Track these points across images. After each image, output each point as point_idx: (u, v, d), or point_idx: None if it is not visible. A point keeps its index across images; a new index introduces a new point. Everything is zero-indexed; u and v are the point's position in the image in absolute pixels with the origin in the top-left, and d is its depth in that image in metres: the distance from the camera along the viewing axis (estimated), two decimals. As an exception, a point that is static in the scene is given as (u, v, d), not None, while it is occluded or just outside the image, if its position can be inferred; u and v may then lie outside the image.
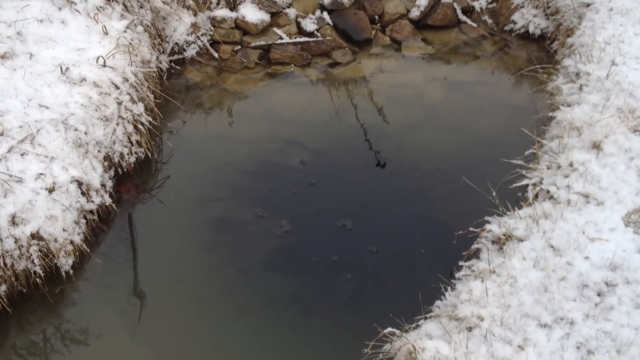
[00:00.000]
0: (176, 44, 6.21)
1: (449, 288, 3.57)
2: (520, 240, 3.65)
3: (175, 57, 6.22)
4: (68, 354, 3.79)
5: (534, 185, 4.11)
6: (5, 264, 3.79)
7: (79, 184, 4.26)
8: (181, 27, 6.21)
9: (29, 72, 4.63)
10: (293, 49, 6.37)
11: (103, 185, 4.52)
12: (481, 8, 6.84)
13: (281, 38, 6.46)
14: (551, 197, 3.91)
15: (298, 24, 6.61)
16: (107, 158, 4.67)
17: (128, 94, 4.89)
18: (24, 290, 3.96)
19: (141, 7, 5.77)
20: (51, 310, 4.01)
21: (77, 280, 4.14)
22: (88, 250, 4.24)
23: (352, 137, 5.46)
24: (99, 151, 4.57)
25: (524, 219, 3.77)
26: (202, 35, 6.34)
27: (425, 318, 3.42)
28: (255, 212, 4.69)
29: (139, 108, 4.96)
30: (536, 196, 4.04)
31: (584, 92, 4.57)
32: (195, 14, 6.33)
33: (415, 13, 6.75)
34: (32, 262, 3.89)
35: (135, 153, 4.95)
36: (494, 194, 3.92)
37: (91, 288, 4.16)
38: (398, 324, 3.31)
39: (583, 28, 5.38)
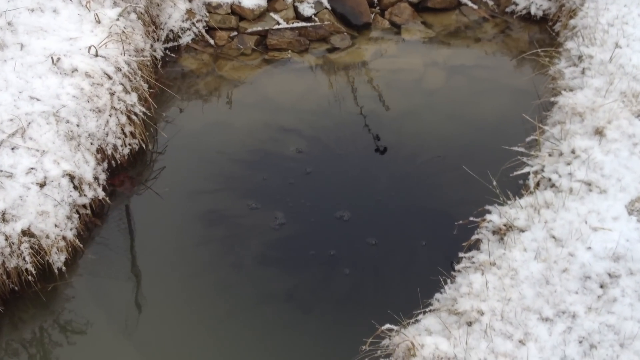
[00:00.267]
0: (171, 31, 6.11)
1: (448, 281, 3.51)
2: (521, 230, 3.58)
3: (170, 44, 6.12)
4: (61, 351, 3.75)
5: (535, 173, 4.03)
6: (-4, 262, 3.73)
7: (71, 177, 4.19)
8: (176, 13, 6.11)
9: (20, 63, 4.56)
10: (290, 35, 6.26)
11: (96, 178, 4.44)
12: (482, -11, 6.71)
13: (278, 23, 6.35)
14: (553, 186, 3.84)
15: (295, 9, 6.49)
16: (100, 150, 4.59)
17: (121, 84, 4.80)
18: (16, 288, 3.90)
19: (134, -6, 5.67)
20: (44, 308, 3.95)
21: (70, 277, 4.08)
22: (81, 245, 4.17)
23: (351, 124, 5.36)
24: (91, 143, 4.49)
25: (525, 208, 3.69)
26: (197, 21, 6.24)
27: (425, 312, 3.36)
28: (249, 204, 4.61)
29: (133, 98, 4.86)
30: (537, 184, 3.96)
31: (586, 76, 4.48)
32: (190, 0, 6.22)
33: (414, -5, 6.63)
34: (24, 259, 3.81)
35: (129, 144, 4.85)
36: (494, 182, 3.84)
37: (85, 284, 4.09)
38: (396, 320, 3.24)
39: (586, 9, 5.28)
